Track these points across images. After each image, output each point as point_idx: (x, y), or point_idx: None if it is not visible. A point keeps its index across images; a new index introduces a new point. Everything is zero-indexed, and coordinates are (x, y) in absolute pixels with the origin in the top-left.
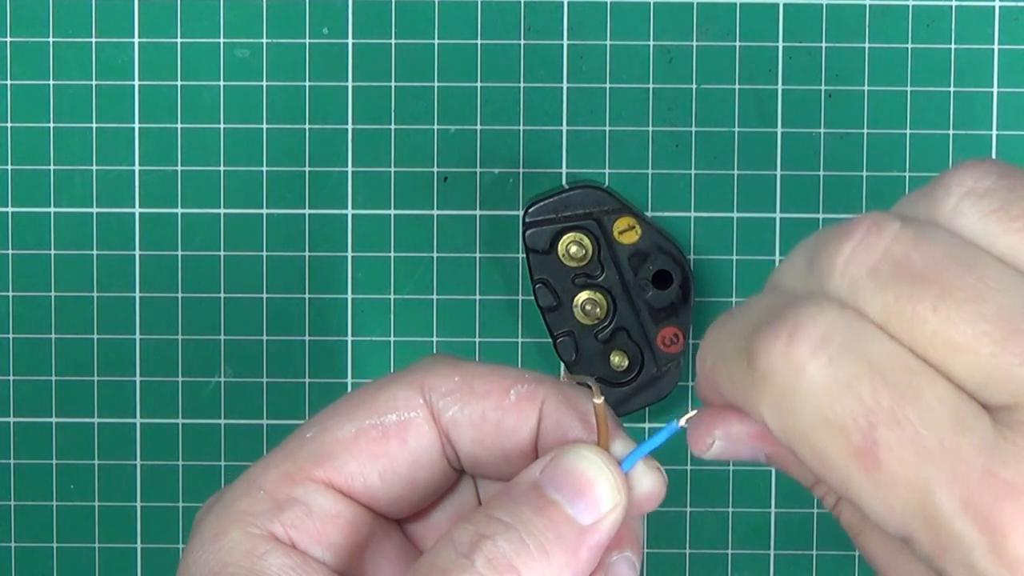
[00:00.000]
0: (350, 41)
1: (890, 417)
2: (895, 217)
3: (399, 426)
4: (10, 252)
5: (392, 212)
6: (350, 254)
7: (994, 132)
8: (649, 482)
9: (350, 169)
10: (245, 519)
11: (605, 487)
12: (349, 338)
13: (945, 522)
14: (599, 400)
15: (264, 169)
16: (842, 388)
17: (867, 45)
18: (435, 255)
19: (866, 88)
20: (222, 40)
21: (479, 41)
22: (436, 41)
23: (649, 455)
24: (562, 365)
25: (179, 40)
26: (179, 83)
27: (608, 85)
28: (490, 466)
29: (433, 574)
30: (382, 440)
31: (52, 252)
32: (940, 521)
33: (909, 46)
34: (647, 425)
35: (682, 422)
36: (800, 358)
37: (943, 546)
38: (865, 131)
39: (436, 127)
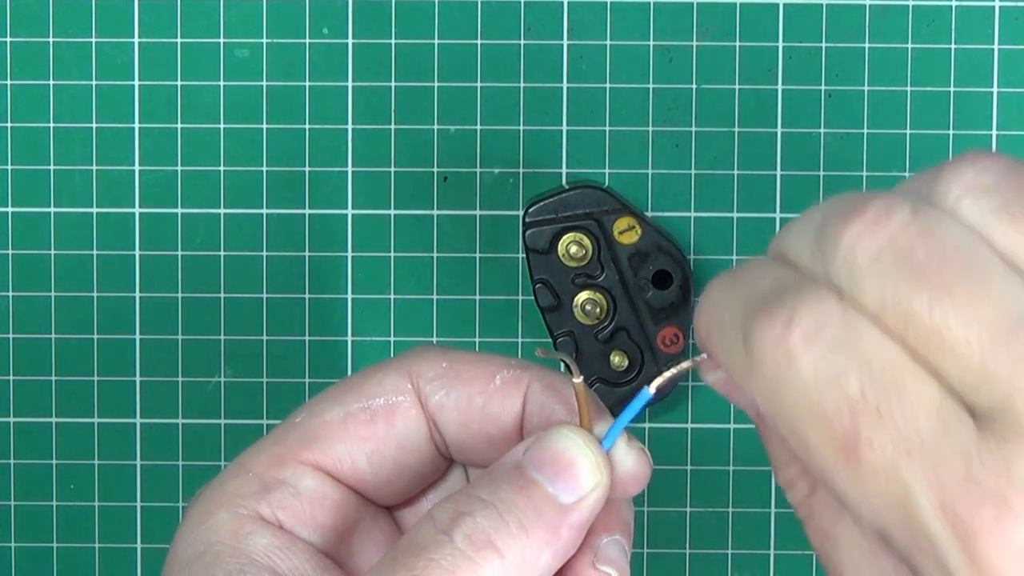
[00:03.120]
0: (350, 41)
1: (874, 412)
2: (907, 203)
3: (386, 409)
4: (10, 252)
5: (392, 212)
6: (350, 254)
7: (994, 132)
8: (632, 462)
9: (350, 169)
10: (232, 500)
11: (586, 466)
12: (349, 338)
13: (922, 522)
14: (578, 380)
15: (264, 169)
16: (829, 380)
17: (867, 45)
18: (435, 255)
19: (866, 88)
20: (222, 40)
21: (479, 41)
22: (436, 41)
23: (633, 437)
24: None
25: (179, 40)
26: (179, 83)
27: (608, 85)
28: (476, 452)
29: (412, 550)
30: (369, 423)
31: (52, 252)
32: (917, 521)
33: (909, 46)
34: (647, 425)
35: (652, 388)
36: (793, 347)
37: (918, 546)
38: (865, 131)
39: (436, 127)
